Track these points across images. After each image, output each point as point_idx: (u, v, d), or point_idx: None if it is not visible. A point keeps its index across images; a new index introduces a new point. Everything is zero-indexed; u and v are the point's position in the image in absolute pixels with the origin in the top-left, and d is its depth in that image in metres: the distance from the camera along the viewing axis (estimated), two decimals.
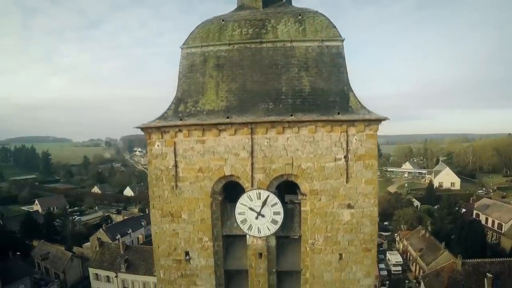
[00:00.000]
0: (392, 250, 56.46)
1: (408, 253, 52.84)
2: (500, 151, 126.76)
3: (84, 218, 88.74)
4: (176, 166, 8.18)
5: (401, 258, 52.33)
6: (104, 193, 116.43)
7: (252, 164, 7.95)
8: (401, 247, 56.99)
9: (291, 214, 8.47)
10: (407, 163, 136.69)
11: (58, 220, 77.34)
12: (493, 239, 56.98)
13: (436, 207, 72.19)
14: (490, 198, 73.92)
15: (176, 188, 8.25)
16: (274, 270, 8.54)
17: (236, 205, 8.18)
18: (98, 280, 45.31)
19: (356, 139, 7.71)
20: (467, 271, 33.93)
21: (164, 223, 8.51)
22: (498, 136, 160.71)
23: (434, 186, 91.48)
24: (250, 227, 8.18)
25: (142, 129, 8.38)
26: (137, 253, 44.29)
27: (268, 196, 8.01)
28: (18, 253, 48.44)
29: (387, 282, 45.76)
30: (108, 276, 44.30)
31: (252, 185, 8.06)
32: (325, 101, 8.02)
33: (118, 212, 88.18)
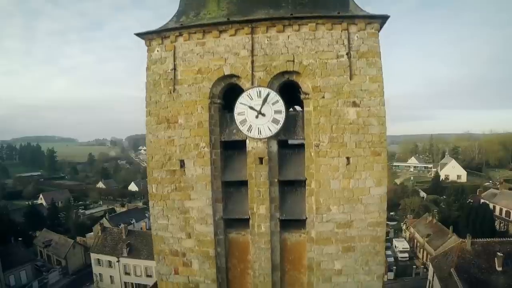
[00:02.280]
0: (398, 238, 55.60)
1: (415, 240, 51.93)
2: (507, 146, 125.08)
3: (88, 212, 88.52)
4: (174, 69, 7.86)
5: (408, 245, 51.47)
6: (108, 188, 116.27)
7: (253, 62, 7.56)
8: (408, 235, 56.06)
9: (294, 120, 7.88)
10: (412, 158, 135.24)
11: (62, 214, 77.24)
12: (501, 225, 55.93)
13: (443, 197, 71.18)
14: (497, 189, 72.72)
15: (173, 92, 7.86)
16: (276, 180, 7.85)
17: (235, 105, 7.63)
18: (100, 265, 44.85)
19: (357, 36, 7.38)
20: (476, 251, 32.90)
21: (160, 131, 8.03)
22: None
23: (440, 178, 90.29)
24: (250, 128, 7.58)
25: (142, 35, 8.04)
26: (139, 238, 43.76)
27: (269, 93, 7.48)
28: (20, 238, 48.16)
29: (394, 267, 44.93)
30: (109, 261, 43.81)
31: (252, 85, 7.61)
32: (325, 5, 7.72)
33: (122, 205, 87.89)
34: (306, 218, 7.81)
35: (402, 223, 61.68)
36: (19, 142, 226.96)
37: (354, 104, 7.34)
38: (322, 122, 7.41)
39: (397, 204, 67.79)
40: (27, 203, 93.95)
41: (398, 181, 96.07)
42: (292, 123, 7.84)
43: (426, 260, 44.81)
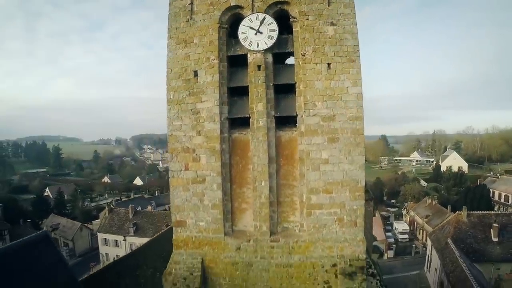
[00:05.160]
0: (399, 220, 56.93)
1: (415, 223, 53.27)
2: (509, 142, 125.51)
3: (94, 204, 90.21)
4: (192, 3, 9.94)
5: (407, 227, 52.77)
6: (114, 182, 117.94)
7: None
8: (408, 219, 57.35)
9: (285, 41, 9.79)
10: (415, 152, 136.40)
11: (68, 205, 78.94)
12: (500, 210, 56.88)
13: (442, 185, 72.35)
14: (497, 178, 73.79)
15: (190, 20, 9.90)
16: (271, 84, 9.62)
17: (239, 27, 9.59)
18: (106, 245, 46.29)
19: None
20: (472, 222, 34.12)
21: (178, 49, 9.96)
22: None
23: (441, 170, 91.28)
24: (250, 43, 9.55)
25: None
26: (146, 217, 45.37)
27: (265, 17, 9.48)
28: (28, 220, 49.85)
29: (394, 246, 46.30)
30: (116, 240, 45.27)
31: (252, 12, 9.60)
32: None
33: (128, 197, 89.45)
34: (297, 115, 9.39)
35: (402, 209, 62.94)
36: (24, 141, 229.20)
37: (332, 24, 9.27)
38: (307, 37, 9.32)
39: (398, 192, 69.01)
40: (33, 196, 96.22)
41: (399, 172, 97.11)
42: (284, 42, 9.80)
43: (425, 240, 46.05)
